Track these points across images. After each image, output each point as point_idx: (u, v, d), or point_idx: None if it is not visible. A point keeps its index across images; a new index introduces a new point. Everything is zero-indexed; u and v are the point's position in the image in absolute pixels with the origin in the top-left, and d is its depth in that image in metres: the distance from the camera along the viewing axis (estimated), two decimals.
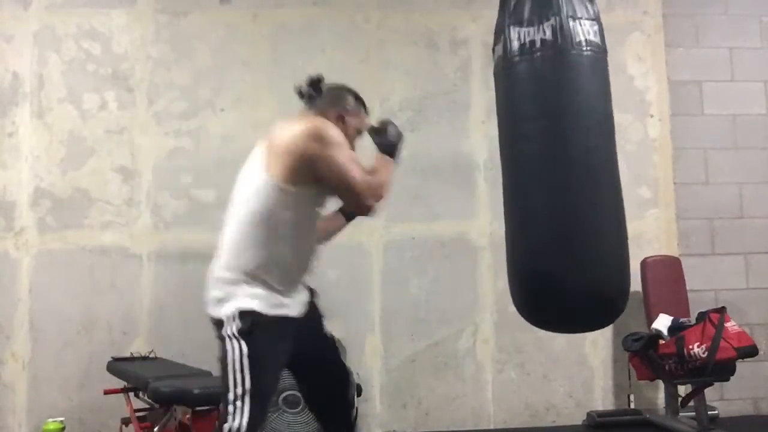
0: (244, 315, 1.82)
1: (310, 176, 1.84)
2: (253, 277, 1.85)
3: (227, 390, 1.80)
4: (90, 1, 3.91)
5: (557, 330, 2.33)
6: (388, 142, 2.01)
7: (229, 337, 1.84)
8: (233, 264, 1.88)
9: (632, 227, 3.94)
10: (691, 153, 4.10)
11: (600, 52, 2.10)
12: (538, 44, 2.02)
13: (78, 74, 3.86)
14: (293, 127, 1.88)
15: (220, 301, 1.88)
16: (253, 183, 1.88)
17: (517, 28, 2.07)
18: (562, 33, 2.01)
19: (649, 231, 4.02)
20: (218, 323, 1.88)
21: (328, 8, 4.00)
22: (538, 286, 2.05)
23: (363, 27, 4.01)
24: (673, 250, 4.00)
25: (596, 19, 2.10)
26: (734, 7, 4.21)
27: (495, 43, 2.16)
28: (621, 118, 4.02)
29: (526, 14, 2.06)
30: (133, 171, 3.83)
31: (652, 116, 4.09)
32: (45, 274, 3.73)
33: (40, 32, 3.87)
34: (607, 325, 2.21)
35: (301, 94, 2.13)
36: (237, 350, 1.81)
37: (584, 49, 2.04)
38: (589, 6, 2.10)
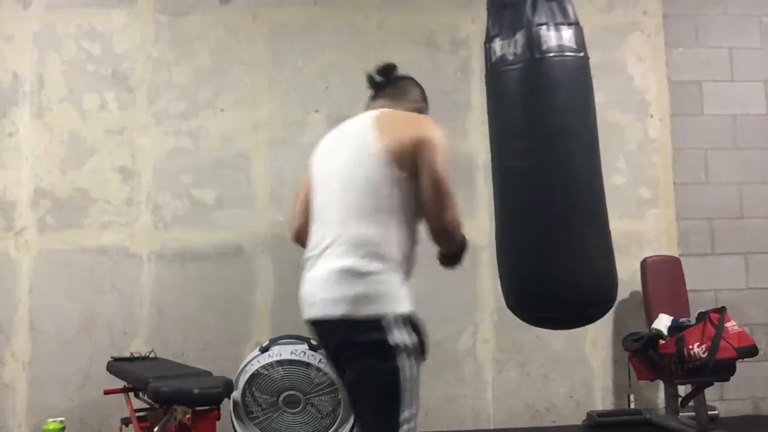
0: (407, 320, 1.65)
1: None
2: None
3: (400, 408, 1.60)
4: (90, 1, 3.91)
5: (556, 327, 2.34)
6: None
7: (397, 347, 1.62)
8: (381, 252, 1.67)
9: (632, 227, 3.99)
10: (691, 153, 4.10)
11: (578, 57, 2.07)
12: (510, 56, 2.04)
13: (78, 74, 3.87)
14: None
15: (370, 297, 1.63)
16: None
17: (492, 42, 2.09)
18: (532, 42, 2.01)
19: (649, 231, 4.02)
20: (369, 324, 1.62)
21: (328, 8, 4.00)
22: (528, 284, 2.06)
23: (363, 27, 4.02)
24: (673, 250, 4.00)
25: (574, 23, 2.08)
26: (734, 7, 4.21)
27: (499, 38, 2.15)
28: (621, 118, 4.05)
29: (499, 27, 2.07)
30: (133, 171, 3.83)
31: (652, 116, 4.09)
32: (45, 274, 3.73)
33: (40, 32, 3.87)
34: (603, 313, 2.19)
35: (373, 82, 1.99)
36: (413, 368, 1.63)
37: (559, 55, 2.02)
38: (564, 11, 2.07)
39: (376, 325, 1.59)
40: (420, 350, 1.65)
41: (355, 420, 1.70)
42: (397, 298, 1.64)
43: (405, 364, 1.60)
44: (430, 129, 1.73)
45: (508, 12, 2.09)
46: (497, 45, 2.09)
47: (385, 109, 1.83)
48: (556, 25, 2.05)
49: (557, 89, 2.04)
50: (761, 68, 4.19)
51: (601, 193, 2.13)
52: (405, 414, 1.59)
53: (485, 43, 2.15)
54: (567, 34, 2.06)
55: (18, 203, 3.78)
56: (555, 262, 1.99)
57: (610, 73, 3.98)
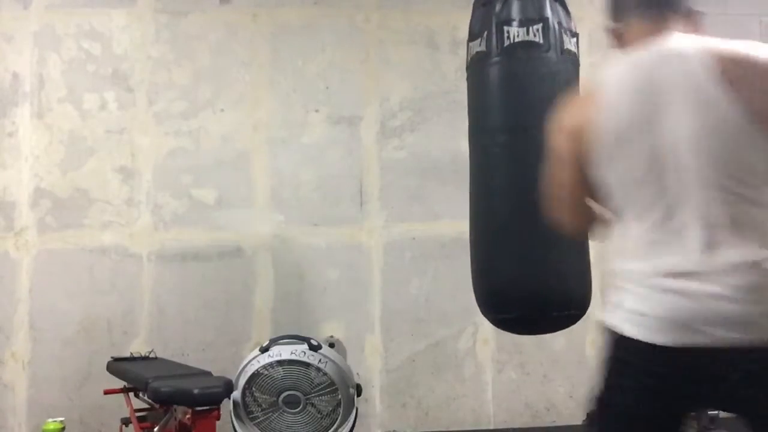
0: None
1: None
2: None
3: None
4: (90, 1, 3.91)
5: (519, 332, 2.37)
6: None
7: None
8: None
9: None
10: None
11: (577, 63, 2.17)
12: (527, 44, 2.05)
13: (78, 74, 3.87)
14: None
15: None
16: None
17: (505, 27, 2.09)
18: (550, 37, 2.05)
19: None
20: None
21: (328, 8, 4.00)
22: (496, 287, 2.07)
23: (363, 27, 4.01)
24: None
25: (575, 34, 2.18)
26: (734, 7, 4.20)
27: (473, 38, 2.18)
28: None
29: (514, 14, 2.09)
30: (133, 171, 3.83)
31: None
32: (45, 274, 3.73)
33: (40, 32, 3.87)
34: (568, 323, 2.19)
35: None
36: None
37: (568, 55, 2.09)
38: (571, 20, 2.17)
39: None
40: None
41: None
42: None
43: None
44: None
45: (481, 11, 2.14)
46: (474, 43, 2.15)
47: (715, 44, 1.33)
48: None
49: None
50: None
51: None
52: None
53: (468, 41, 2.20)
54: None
55: (18, 203, 3.78)
56: (523, 263, 2.00)
57: None
